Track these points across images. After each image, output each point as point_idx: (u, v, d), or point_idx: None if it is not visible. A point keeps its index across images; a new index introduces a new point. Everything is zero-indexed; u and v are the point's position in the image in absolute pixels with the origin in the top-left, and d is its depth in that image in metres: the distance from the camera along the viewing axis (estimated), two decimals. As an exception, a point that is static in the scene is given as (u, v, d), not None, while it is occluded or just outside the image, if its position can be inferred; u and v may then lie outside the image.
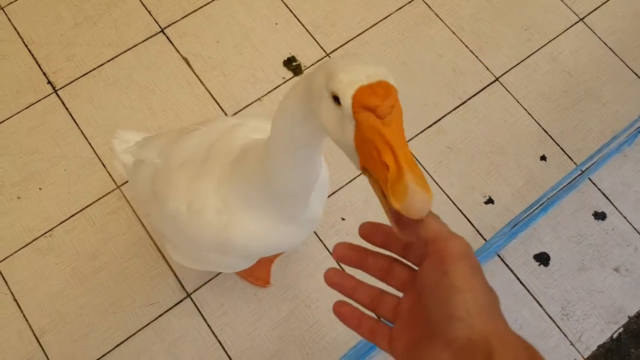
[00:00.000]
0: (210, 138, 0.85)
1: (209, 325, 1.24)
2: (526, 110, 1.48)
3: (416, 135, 1.43)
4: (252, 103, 1.44)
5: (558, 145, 1.45)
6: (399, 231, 0.41)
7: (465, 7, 1.59)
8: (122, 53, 1.49)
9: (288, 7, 1.56)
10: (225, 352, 1.22)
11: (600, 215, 1.38)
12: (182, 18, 1.53)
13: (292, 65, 1.49)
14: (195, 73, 1.47)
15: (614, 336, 1.28)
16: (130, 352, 1.21)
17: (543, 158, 1.43)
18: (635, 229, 1.37)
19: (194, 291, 1.26)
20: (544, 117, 1.47)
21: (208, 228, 0.81)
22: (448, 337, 0.38)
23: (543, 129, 1.46)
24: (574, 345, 1.27)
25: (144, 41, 1.50)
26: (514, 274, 1.32)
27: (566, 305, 1.30)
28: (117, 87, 1.45)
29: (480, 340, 0.36)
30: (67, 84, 1.45)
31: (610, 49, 1.56)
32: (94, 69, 1.47)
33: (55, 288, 1.25)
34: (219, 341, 1.23)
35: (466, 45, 1.54)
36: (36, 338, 1.22)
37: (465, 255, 0.39)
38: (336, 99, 0.48)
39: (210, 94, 1.45)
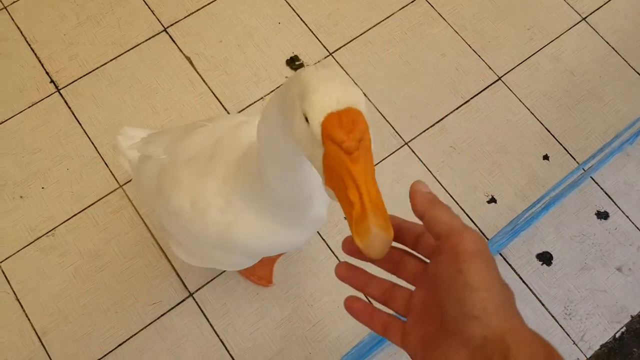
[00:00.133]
0: (216, 135, 0.85)
1: (211, 325, 1.24)
2: (529, 110, 1.48)
3: (419, 135, 1.43)
4: (254, 102, 1.44)
5: (561, 144, 1.45)
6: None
7: (467, 6, 1.59)
8: (125, 52, 1.49)
9: (291, 6, 1.56)
10: (228, 351, 1.22)
11: (602, 215, 1.38)
12: (185, 17, 1.53)
13: (295, 64, 1.49)
14: (198, 72, 1.47)
15: (617, 335, 1.28)
16: (133, 351, 1.21)
17: (546, 157, 1.43)
18: (637, 228, 1.37)
19: (197, 290, 1.26)
20: (546, 117, 1.47)
21: (212, 226, 0.81)
22: (464, 336, 0.38)
23: (546, 128, 1.46)
24: (576, 345, 1.26)
25: (146, 40, 1.51)
26: (516, 273, 1.32)
27: (569, 304, 1.30)
28: (120, 86, 1.45)
29: (496, 338, 0.36)
30: (70, 83, 1.45)
31: (613, 48, 1.56)
32: (97, 68, 1.47)
33: (58, 287, 1.25)
34: (221, 341, 1.23)
35: (469, 45, 1.54)
36: (38, 337, 1.22)
37: (479, 252, 0.39)
38: (308, 119, 0.47)
39: (213, 93, 1.45)
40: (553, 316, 1.29)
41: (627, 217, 1.38)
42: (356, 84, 1.47)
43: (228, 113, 1.44)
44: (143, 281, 1.26)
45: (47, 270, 1.27)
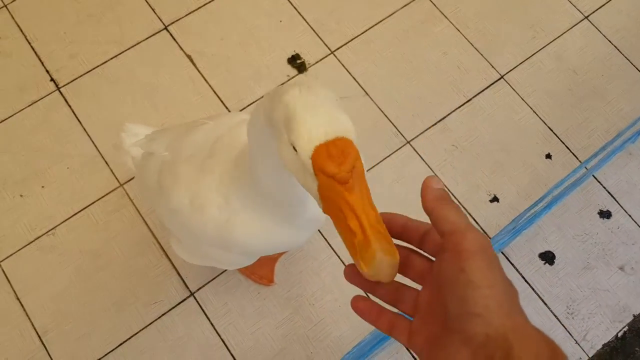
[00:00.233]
0: (217, 133, 0.84)
1: (212, 324, 1.23)
2: (531, 108, 1.47)
3: (421, 134, 1.43)
4: (256, 101, 1.44)
5: (563, 143, 1.44)
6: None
7: (470, 5, 1.58)
8: (125, 50, 1.48)
9: (292, 5, 1.55)
10: (229, 350, 1.21)
11: (605, 214, 1.38)
12: (186, 15, 1.53)
13: (296, 62, 1.49)
14: (199, 70, 1.47)
15: (619, 335, 1.28)
16: (133, 351, 1.21)
17: (548, 156, 1.43)
18: (640, 227, 1.37)
19: (198, 290, 1.26)
20: (549, 115, 1.47)
21: (210, 223, 0.81)
22: (466, 334, 0.37)
23: (548, 127, 1.46)
24: (578, 344, 1.26)
25: (147, 38, 1.50)
26: (519, 272, 1.31)
27: (571, 303, 1.29)
28: (121, 85, 1.44)
29: (499, 336, 0.36)
30: (70, 82, 1.44)
31: (615, 47, 1.56)
32: (97, 66, 1.46)
33: (58, 287, 1.25)
34: (222, 340, 1.22)
35: (471, 43, 1.54)
36: (39, 337, 1.21)
37: (482, 250, 0.39)
38: (296, 149, 0.47)
39: (214, 92, 1.44)
40: (555, 315, 1.28)
41: (630, 216, 1.38)
42: (357, 82, 1.47)
43: (229, 111, 1.43)
44: (144, 280, 1.26)
45: (48, 269, 1.26)
